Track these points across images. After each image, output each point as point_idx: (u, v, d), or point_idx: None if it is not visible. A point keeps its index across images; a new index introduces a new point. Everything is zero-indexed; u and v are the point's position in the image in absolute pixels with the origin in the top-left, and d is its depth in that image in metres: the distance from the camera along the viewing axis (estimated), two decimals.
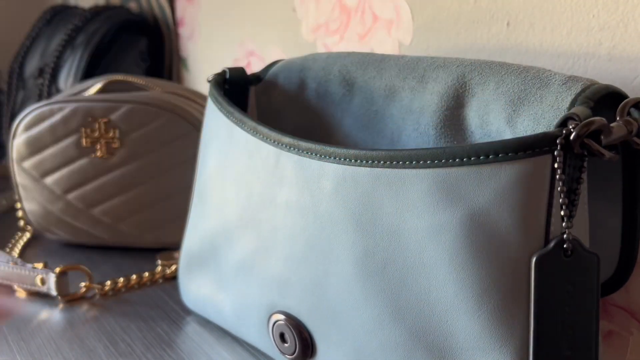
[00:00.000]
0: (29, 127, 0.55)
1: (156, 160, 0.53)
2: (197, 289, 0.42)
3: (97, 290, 0.48)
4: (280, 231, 0.33)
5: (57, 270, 0.47)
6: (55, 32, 0.83)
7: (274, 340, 0.35)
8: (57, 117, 0.54)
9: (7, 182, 0.62)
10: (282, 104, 0.42)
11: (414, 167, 0.28)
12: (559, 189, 0.25)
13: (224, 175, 0.38)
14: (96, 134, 0.53)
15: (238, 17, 0.69)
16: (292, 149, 0.33)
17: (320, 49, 0.57)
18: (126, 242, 0.56)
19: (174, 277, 0.51)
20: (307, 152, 0.32)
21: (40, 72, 0.81)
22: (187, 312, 0.45)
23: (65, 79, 0.78)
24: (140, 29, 0.84)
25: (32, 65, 0.84)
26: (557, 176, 0.24)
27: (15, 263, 0.49)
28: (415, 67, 0.35)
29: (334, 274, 0.31)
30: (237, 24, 0.70)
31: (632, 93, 0.32)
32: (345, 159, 0.30)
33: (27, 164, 0.56)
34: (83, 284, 0.48)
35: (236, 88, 0.42)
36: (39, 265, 0.49)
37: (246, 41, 0.69)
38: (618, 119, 0.26)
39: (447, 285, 0.27)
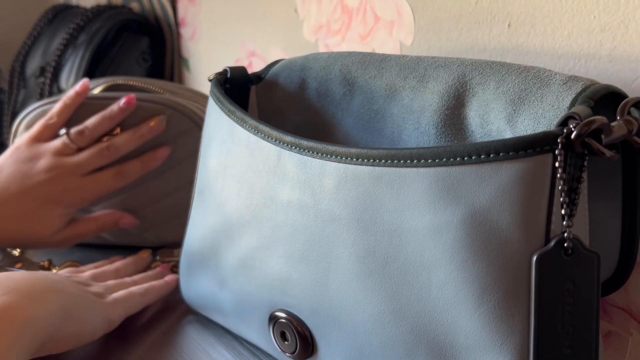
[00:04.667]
0: (29, 126, 0.55)
1: None
2: (197, 287, 0.42)
3: None
4: (281, 229, 0.34)
5: (60, 267, 0.47)
6: (56, 32, 0.84)
7: (275, 338, 0.36)
8: None
9: None
10: (283, 103, 0.42)
11: (415, 166, 0.28)
12: (559, 187, 0.25)
13: (225, 173, 0.38)
14: None
15: (239, 17, 0.70)
16: (293, 147, 0.33)
17: (322, 50, 0.58)
18: (127, 240, 0.56)
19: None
20: (309, 151, 0.32)
21: (42, 71, 0.82)
22: (188, 310, 0.45)
23: (67, 79, 0.78)
24: (142, 29, 0.84)
25: (33, 64, 0.84)
26: (558, 175, 0.25)
27: (21, 262, 0.49)
28: (416, 67, 0.35)
29: (335, 273, 0.31)
30: (239, 24, 0.70)
31: (633, 94, 0.32)
32: (346, 158, 0.30)
33: None
34: None
35: (237, 87, 0.42)
36: (45, 264, 0.49)
37: (247, 41, 0.69)
38: (618, 118, 0.26)
39: (448, 284, 0.27)
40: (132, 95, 0.50)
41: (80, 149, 0.50)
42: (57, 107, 0.51)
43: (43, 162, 0.49)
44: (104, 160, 0.50)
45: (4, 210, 0.48)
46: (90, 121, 0.50)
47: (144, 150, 0.53)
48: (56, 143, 0.50)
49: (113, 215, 0.53)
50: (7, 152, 0.50)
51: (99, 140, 0.52)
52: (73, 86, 0.61)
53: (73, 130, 0.50)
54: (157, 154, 0.52)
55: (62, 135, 0.50)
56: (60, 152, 0.49)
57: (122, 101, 0.50)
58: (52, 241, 0.50)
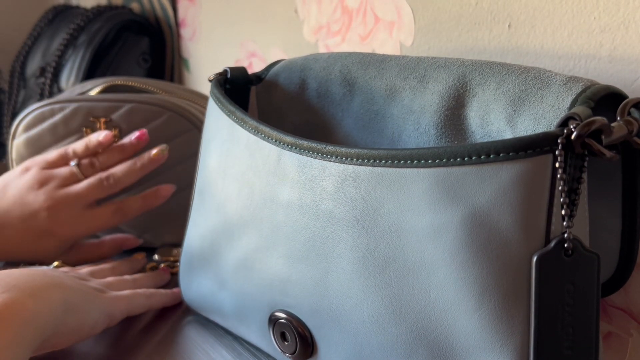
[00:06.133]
0: (29, 127, 0.55)
1: None
2: (197, 287, 0.42)
3: None
4: (281, 230, 0.34)
5: (57, 266, 0.47)
6: (57, 32, 0.84)
7: (275, 339, 0.36)
8: (58, 117, 0.54)
9: None
10: (283, 103, 0.42)
11: (415, 167, 0.28)
12: (559, 188, 0.25)
13: (225, 174, 0.38)
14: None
15: (240, 18, 0.70)
16: (293, 148, 0.33)
17: (322, 50, 0.58)
18: None
19: (174, 274, 0.51)
20: (309, 152, 0.32)
21: (42, 71, 0.82)
22: (188, 311, 0.45)
23: (67, 79, 0.78)
24: (142, 29, 0.84)
25: (33, 64, 0.84)
26: (558, 175, 0.25)
27: (19, 263, 0.49)
28: (416, 67, 0.35)
29: (335, 273, 0.31)
30: (239, 24, 0.70)
31: (633, 95, 0.33)
32: (347, 158, 0.30)
33: None
34: None
35: (237, 88, 0.42)
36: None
37: (248, 42, 0.69)
38: (618, 118, 0.26)
39: (448, 285, 0.27)
40: (144, 130, 0.50)
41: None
42: (78, 146, 0.50)
43: (45, 191, 0.48)
44: (103, 191, 0.49)
45: (6, 233, 0.48)
46: (103, 155, 0.50)
47: (143, 152, 0.53)
48: (64, 171, 0.49)
49: (116, 241, 0.53)
50: (17, 170, 0.50)
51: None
52: (71, 88, 0.61)
53: (85, 161, 0.50)
54: (160, 192, 0.51)
55: (72, 164, 0.50)
56: (66, 182, 0.49)
57: (134, 136, 0.50)
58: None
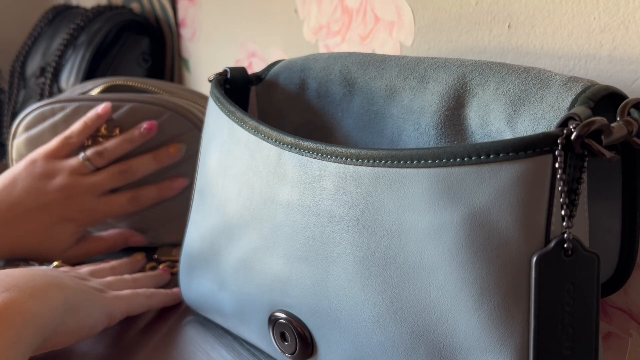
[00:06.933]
0: (29, 127, 0.55)
1: None
2: (197, 287, 0.42)
3: None
4: (281, 230, 0.34)
5: (57, 265, 0.47)
6: (57, 32, 0.84)
7: (275, 339, 0.36)
8: (58, 117, 0.54)
9: None
10: (283, 103, 0.42)
11: (415, 167, 0.28)
12: (559, 188, 0.25)
13: (225, 174, 0.38)
14: (98, 132, 0.53)
15: (240, 18, 0.70)
16: (293, 148, 0.33)
17: (322, 50, 0.58)
18: None
19: (174, 274, 0.51)
20: (309, 152, 0.32)
21: (42, 71, 0.82)
22: (188, 311, 0.45)
23: (67, 79, 0.78)
24: (142, 29, 0.84)
25: (33, 64, 0.84)
26: (558, 176, 0.25)
27: (19, 263, 0.49)
28: (416, 68, 0.35)
29: (335, 273, 0.31)
30: (239, 24, 0.70)
31: (633, 95, 0.33)
32: (346, 159, 0.30)
33: None
34: None
35: (237, 88, 0.42)
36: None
37: (248, 42, 0.69)
38: (618, 119, 0.26)
39: (448, 285, 0.27)
40: (154, 122, 0.51)
41: (97, 169, 0.51)
42: (77, 126, 0.51)
43: (59, 180, 0.49)
44: (119, 182, 0.51)
45: (19, 224, 0.48)
46: (110, 143, 0.51)
47: (144, 152, 0.53)
48: (73, 162, 0.50)
49: (123, 235, 0.54)
50: (21, 165, 0.50)
51: (106, 139, 0.52)
52: (72, 88, 0.61)
53: (91, 150, 0.50)
54: (175, 183, 0.52)
55: (80, 155, 0.50)
56: (77, 172, 0.50)
57: (144, 127, 0.51)
58: (62, 258, 0.50)
